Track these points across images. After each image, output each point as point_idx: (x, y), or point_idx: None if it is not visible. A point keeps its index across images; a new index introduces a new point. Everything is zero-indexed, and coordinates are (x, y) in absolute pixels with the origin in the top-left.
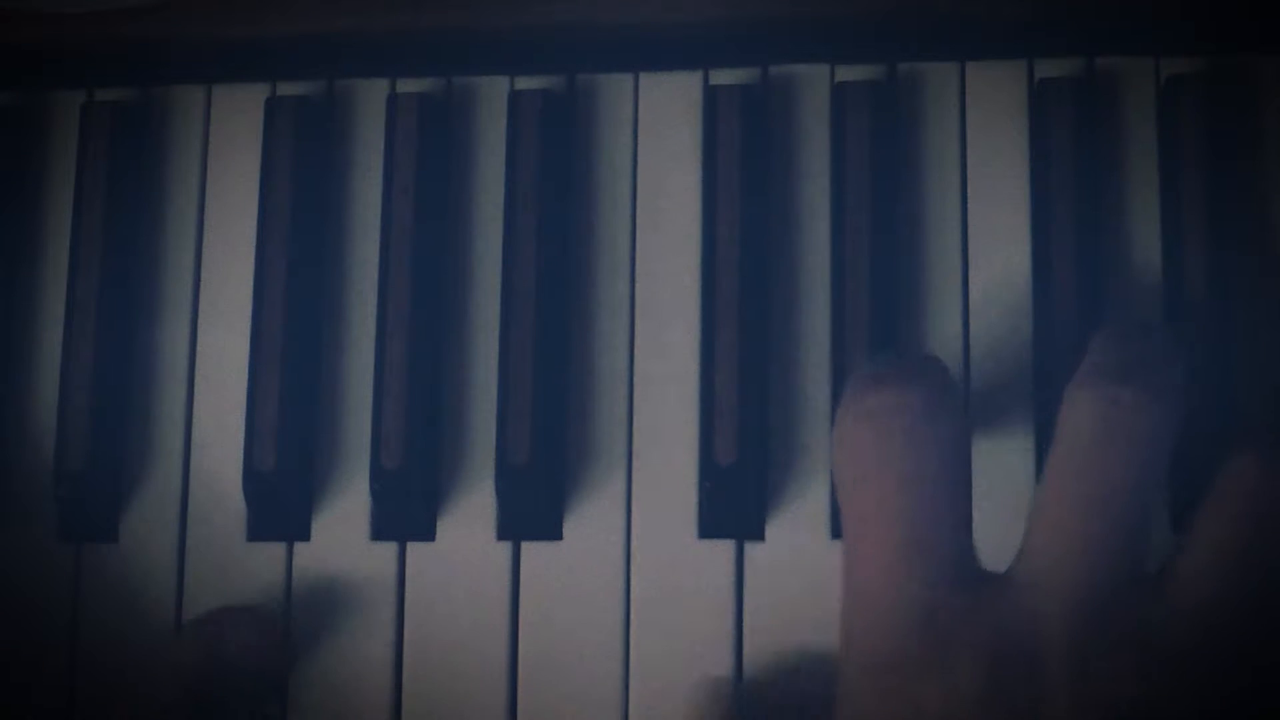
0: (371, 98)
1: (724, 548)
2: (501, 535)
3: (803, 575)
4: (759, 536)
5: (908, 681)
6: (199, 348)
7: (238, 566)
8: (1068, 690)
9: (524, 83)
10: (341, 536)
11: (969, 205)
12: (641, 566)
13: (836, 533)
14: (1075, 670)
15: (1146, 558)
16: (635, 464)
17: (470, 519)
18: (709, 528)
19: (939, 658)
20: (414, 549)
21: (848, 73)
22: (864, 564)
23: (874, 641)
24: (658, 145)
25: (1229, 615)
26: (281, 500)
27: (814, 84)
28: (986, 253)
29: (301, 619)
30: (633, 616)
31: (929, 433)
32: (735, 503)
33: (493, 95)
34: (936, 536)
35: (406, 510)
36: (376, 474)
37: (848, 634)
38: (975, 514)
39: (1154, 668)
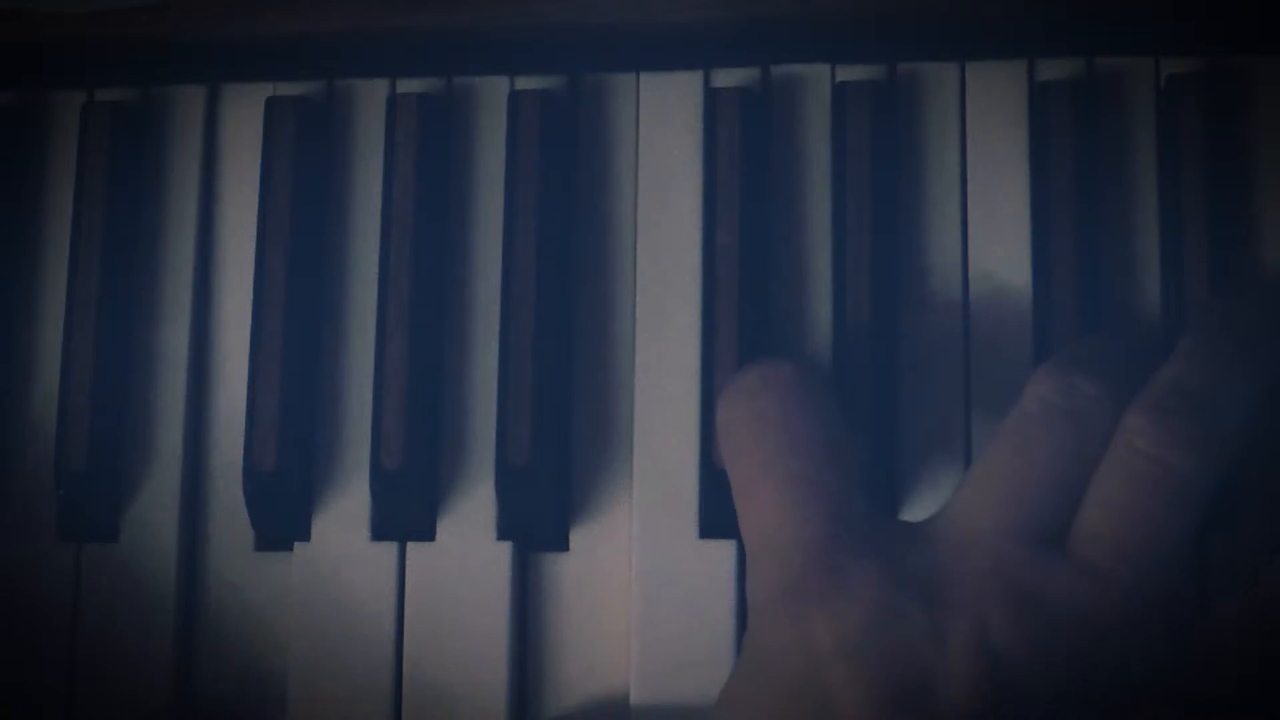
0: (371, 98)
1: (724, 547)
2: (501, 535)
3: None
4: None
5: (802, 607)
6: (199, 348)
7: (238, 567)
8: (958, 635)
9: (524, 83)
10: (341, 536)
11: (969, 205)
12: (642, 566)
13: None
14: (969, 617)
15: (1058, 541)
16: (635, 464)
17: (470, 519)
18: (709, 527)
19: (831, 585)
20: (414, 549)
21: (848, 73)
22: (758, 515)
23: (770, 577)
24: (658, 145)
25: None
26: (281, 500)
27: (814, 84)
28: (986, 253)
29: (301, 619)
30: (634, 616)
31: (804, 399)
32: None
33: (493, 95)
34: (823, 487)
35: (406, 510)
36: (376, 474)
37: (750, 587)
38: None
39: (1047, 633)
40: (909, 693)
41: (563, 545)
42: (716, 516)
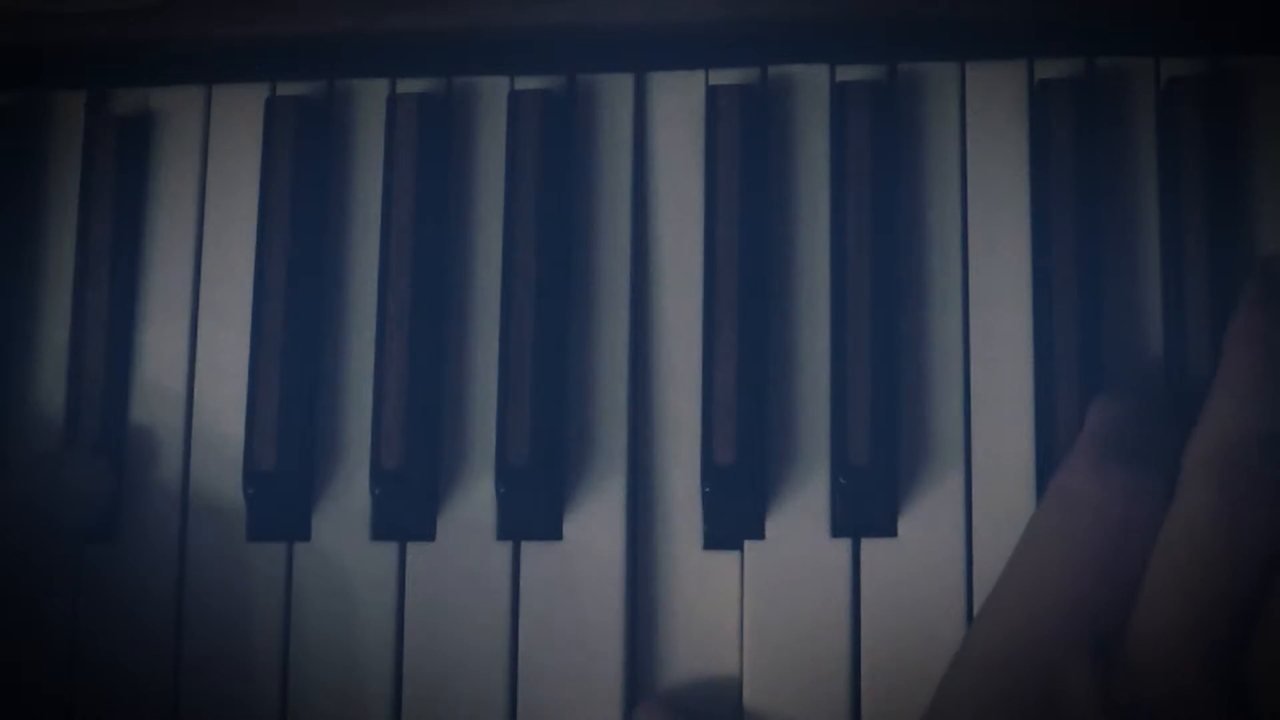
0: (371, 98)
1: (728, 560)
2: (501, 535)
3: (803, 574)
4: (759, 535)
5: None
6: (199, 348)
7: (238, 566)
8: None
9: (524, 83)
10: (341, 536)
11: (969, 205)
12: (641, 566)
13: (836, 531)
14: None
15: (1239, 655)
16: (635, 464)
17: (470, 519)
18: (713, 540)
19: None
20: (414, 549)
21: (848, 73)
22: (1019, 615)
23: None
24: (658, 145)
25: None
26: (281, 500)
27: (814, 84)
28: (986, 253)
29: (301, 619)
30: (633, 616)
31: (1147, 523)
32: (735, 502)
33: (493, 95)
34: (1101, 617)
35: (406, 510)
36: (376, 474)
37: (977, 661)
38: (975, 513)
39: None
40: None
41: (556, 535)
42: (719, 529)
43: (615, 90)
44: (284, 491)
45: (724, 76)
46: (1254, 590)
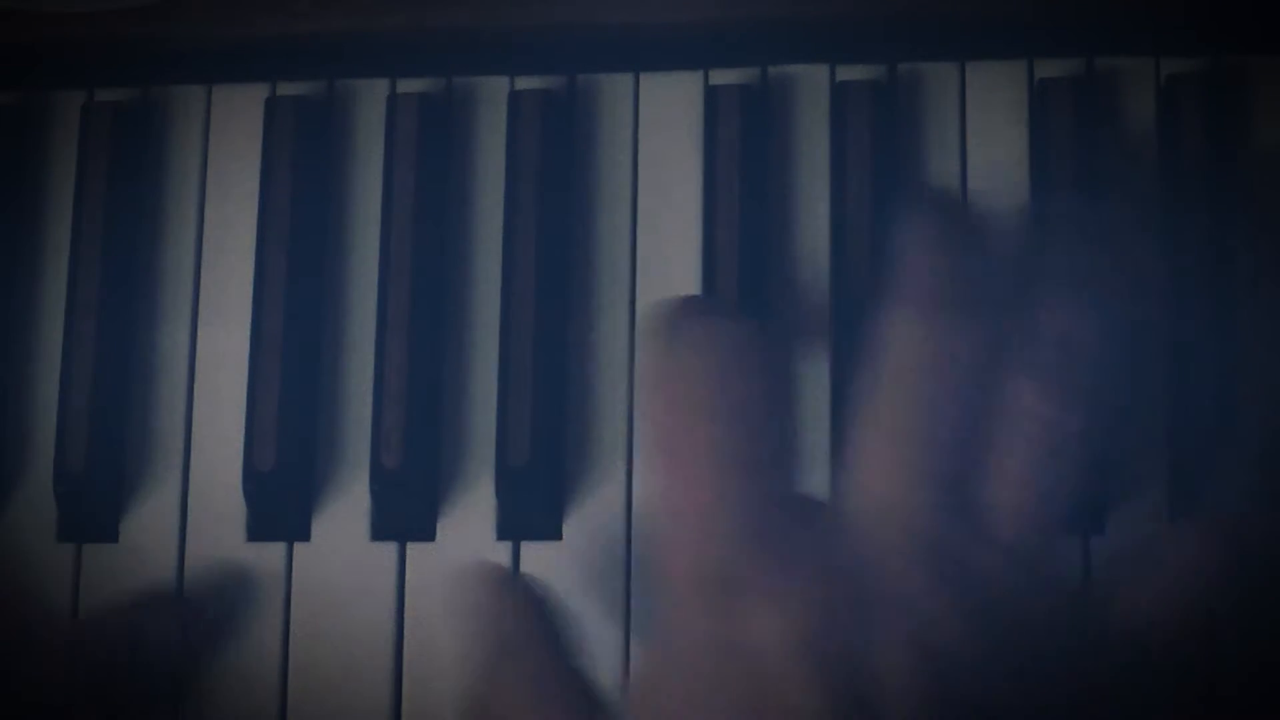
0: (371, 98)
1: None
2: (501, 535)
3: None
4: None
5: (736, 603)
6: (199, 348)
7: (237, 566)
8: (898, 629)
9: (524, 83)
10: (341, 536)
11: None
12: (641, 566)
13: None
14: (904, 610)
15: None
16: (633, 464)
17: (470, 519)
18: None
19: (766, 580)
20: (414, 549)
21: (848, 73)
22: (686, 482)
23: (692, 560)
24: (658, 145)
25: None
26: (281, 500)
27: (814, 84)
28: None
29: (301, 619)
30: (632, 616)
31: (757, 360)
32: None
33: (493, 95)
34: (757, 461)
35: (406, 510)
36: (376, 474)
37: (665, 564)
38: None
39: (977, 617)
40: (861, 692)
41: (556, 535)
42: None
43: (615, 90)
44: (284, 491)
45: (724, 76)
46: (973, 411)
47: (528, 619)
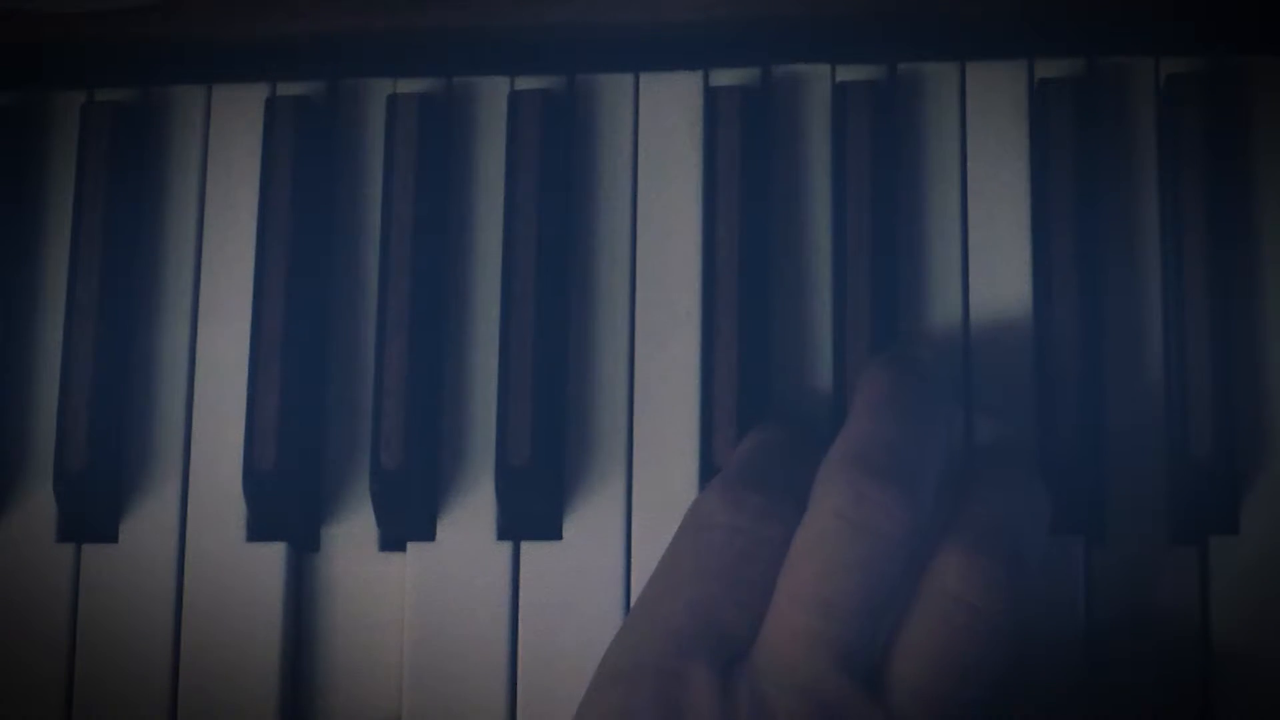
0: (371, 98)
1: None
2: (501, 535)
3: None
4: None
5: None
6: (199, 348)
7: (238, 566)
8: None
9: (524, 83)
10: (342, 537)
11: (969, 205)
12: (641, 566)
13: None
14: None
15: (870, 675)
16: (635, 464)
17: (470, 519)
18: None
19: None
20: (414, 549)
21: (848, 73)
22: (655, 612)
23: (611, 693)
24: (658, 145)
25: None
26: (281, 500)
27: (814, 84)
28: (986, 253)
29: (301, 619)
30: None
31: (777, 544)
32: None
33: (493, 95)
34: (729, 630)
35: (407, 510)
36: (376, 474)
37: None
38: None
39: None
40: None
41: (556, 535)
42: None
43: (615, 90)
44: (284, 491)
45: (724, 76)
46: (889, 584)
47: None
